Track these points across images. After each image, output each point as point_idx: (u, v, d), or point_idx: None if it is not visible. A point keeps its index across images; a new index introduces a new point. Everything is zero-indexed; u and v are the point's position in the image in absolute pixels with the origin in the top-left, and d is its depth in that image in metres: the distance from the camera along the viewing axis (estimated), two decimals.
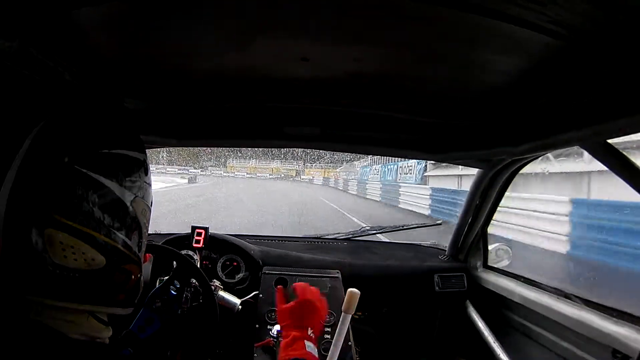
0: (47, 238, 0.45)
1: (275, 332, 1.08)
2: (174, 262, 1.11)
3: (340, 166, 31.67)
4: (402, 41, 0.65)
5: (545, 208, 5.38)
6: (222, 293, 1.22)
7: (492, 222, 1.50)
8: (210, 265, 1.39)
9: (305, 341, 0.82)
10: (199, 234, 1.33)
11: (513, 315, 1.36)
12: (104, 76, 0.84)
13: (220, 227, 1.67)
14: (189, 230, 1.35)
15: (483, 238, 1.54)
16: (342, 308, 0.94)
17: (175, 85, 0.92)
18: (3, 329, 0.44)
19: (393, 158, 13.65)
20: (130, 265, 0.53)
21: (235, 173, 36.85)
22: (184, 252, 1.24)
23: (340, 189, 24.12)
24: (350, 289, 0.94)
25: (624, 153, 0.79)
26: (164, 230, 1.64)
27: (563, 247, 4.89)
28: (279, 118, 1.11)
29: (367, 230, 1.91)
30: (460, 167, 7.38)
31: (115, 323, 0.56)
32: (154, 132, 1.17)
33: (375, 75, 0.82)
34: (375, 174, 19.01)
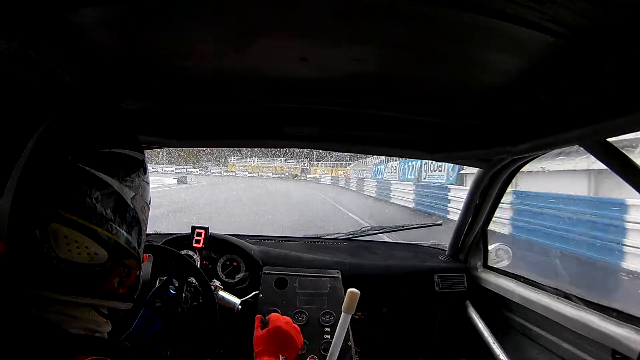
0: (51, 233, 0.47)
1: None
2: (174, 262, 1.11)
3: (350, 163, 27.86)
4: (402, 41, 0.65)
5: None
6: (222, 293, 1.22)
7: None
8: (210, 265, 1.39)
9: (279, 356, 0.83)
10: (199, 234, 1.33)
11: (513, 316, 1.36)
12: (104, 77, 0.84)
13: (220, 227, 1.66)
14: (189, 230, 1.35)
15: (483, 238, 1.53)
16: (342, 308, 0.94)
17: (175, 86, 0.92)
18: (5, 324, 0.45)
19: None
20: (130, 261, 0.55)
21: (236, 172, 35.12)
22: (183, 252, 1.24)
23: (353, 189, 19.82)
24: (350, 289, 0.94)
25: (624, 152, 0.79)
26: (164, 230, 1.64)
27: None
28: (279, 118, 1.12)
29: (367, 230, 1.91)
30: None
31: (116, 324, 0.57)
32: (155, 133, 1.17)
33: (375, 75, 0.82)
34: (392, 172, 15.64)
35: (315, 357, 1.19)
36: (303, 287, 1.35)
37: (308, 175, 33.84)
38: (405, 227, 1.98)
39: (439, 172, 10.92)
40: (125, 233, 0.53)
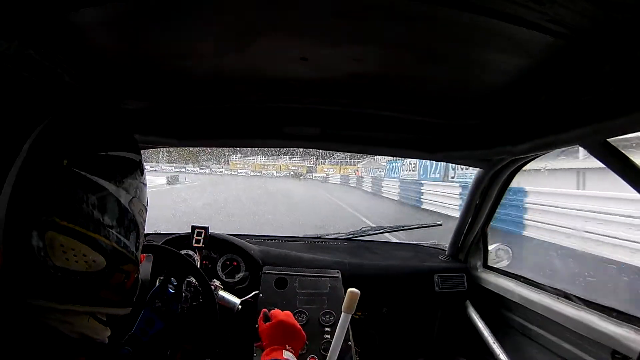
0: (48, 241, 0.46)
1: None
2: (173, 262, 1.11)
3: (360, 161, 24.93)
4: (402, 41, 0.65)
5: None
6: (222, 293, 1.22)
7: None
8: (210, 265, 1.39)
9: (284, 350, 0.85)
10: (199, 234, 1.33)
11: (513, 316, 1.36)
12: (104, 77, 0.84)
13: (221, 227, 1.66)
14: (189, 230, 1.35)
15: (483, 238, 1.53)
16: (342, 308, 0.94)
17: (175, 86, 0.92)
18: (4, 329, 0.44)
19: None
20: (129, 266, 0.54)
21: (238, 171, 32.92)
22: (183, 251, 1.24)
23: (369, 190, 16.95)
24: (350, 289, 0.95)
25: (624, 152, 0.79)
26: (164, 230, 1.64)
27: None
28: (279, 118, 1.12)
29: (368, 230, 1.91)
30: (580, 155, 5.26)
31: (117, 325, 0.57)
32: (155, 133, 1.17)
33: (375, 75, 0.82)
34: (411, 170, 13.11)
35: (315, 357, 1.19)
36: (303, 287, 1.35)
37: (315, 174, 31.92)
38: (405, 227, 1.98)
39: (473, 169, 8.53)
40: (123, 238, 0.52)
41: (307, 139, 1.23)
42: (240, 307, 1.23)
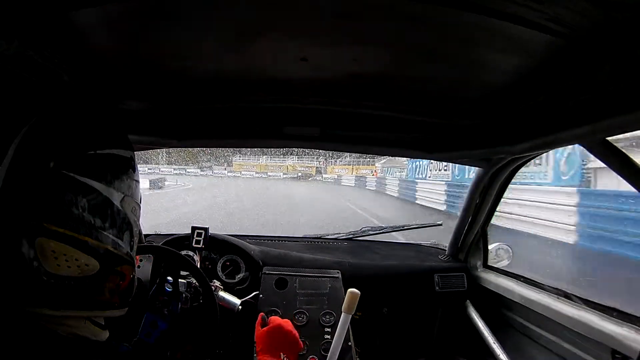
0: (38, 248, 0.44)
1: None
2: (174, 262, 1.11)
3: (379, 160, 21.38)
4: (402, 41, 0.65)
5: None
6: (222, 293, 1.22)
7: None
8: (210, 266, 1.39)
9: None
10: (199, 235, 1.33)
11: (513, 315, 1.36)
12: (104, 77, 0.84)
13: (221, 227, 1.65)
14: (189, 231, 1.35)
15: (483, 237, 1.53)
16: (342, 308, 0.94)
17: (175, 86, 0.92)
18: (1, 333, 0.44)
19: None
20: (123, 267, 0.52)
21: (242, 172, 31.33)
22: (184, 252, 1.24)
23: (394, 195, 14.41)
24: (350, 289, 0.95)
25: (624, 151, 0.79)
26: (164, 230, 1.64)
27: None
28: (278, 118, 1.12)
29: (368, 230, 1.92)
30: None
31: (119, 329, 0.56)
32: (155, 133, 1.17)
33: (375, 75, 0.82)
34: (443, 170, 11.04)
35: (315, 357, 1.19)
36: (303, 287, 1.35)
37: (324, 175, 29.85)
38: (405, 227, 1.98)
39: (542, 169, 6.71)
40: (115, 239, 0.50)
41: (307, 139, 1.23)
42: (240, 307, 1.23)
